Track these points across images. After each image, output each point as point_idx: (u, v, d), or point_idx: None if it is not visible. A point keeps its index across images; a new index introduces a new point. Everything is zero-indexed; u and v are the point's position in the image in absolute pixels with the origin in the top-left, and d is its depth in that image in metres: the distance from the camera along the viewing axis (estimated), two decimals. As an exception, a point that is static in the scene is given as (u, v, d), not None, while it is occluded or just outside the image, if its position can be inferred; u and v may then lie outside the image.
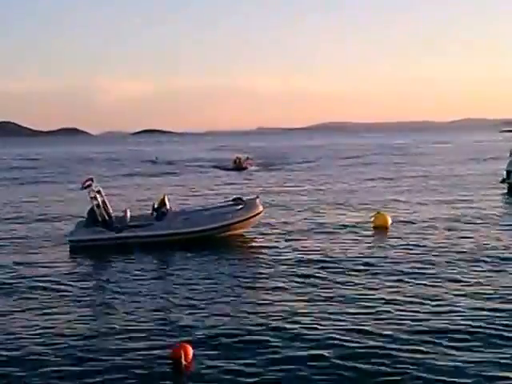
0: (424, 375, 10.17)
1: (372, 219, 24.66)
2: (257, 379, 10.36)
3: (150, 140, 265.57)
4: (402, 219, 25.75)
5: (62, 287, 16.76)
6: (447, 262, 17.83)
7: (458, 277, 16.20)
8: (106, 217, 22.22)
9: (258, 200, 23.50)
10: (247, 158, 65.22)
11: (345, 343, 11.64)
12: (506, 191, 35.46)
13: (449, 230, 23.28)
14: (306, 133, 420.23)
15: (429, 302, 14.02)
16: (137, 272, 18.35)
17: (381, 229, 23.69)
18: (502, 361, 10.65)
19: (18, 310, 14.80)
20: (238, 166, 61.35)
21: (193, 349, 11.10)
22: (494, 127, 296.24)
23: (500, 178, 37.18)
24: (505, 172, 36.66)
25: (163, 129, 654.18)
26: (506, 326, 12.34)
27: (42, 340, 12.52)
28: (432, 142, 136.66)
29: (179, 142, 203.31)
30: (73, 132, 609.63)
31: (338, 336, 12.00)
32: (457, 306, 13.64)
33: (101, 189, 22.80)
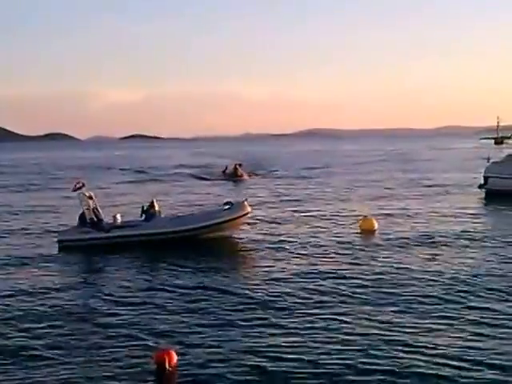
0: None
1: (359, 223, 25.27)
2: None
3: (138, 145, 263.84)
4: (388, 223, 26.42)
5: (47, 287, 17.10)
6: (430, 263, 18.59)
7: (440, 279, 16.76)
8: (95, 219, 22.73)
9: (245, 202, 24.01)
10: (240, 165, 57.55)
11: (326, 345, 11.94)
12: (483, 196, 36.57)
13: (431, 232, 24.00)
14: (295, 139, 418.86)
15: (412, 305, 14.43)
16: (123, 272, 18.70)
17: (367, 233, 24.23)
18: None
19: (2, 307, 15.22)
20: (232, 174, 54.94)
21: (177, 354, 11.12)
22: (475, 135, 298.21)
23: (478, 184, 38.25)
24: (482, 178, 37.86)
25: (151, 134, 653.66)
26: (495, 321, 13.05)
27: (20, 339, 12.83)
28: (417, 148, 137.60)
29: (167, 148, 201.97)
30: (60, 137, 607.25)
31: (320, 339, 12.27)
32: (442, 307, 14.14)
33: (92, 194, 23.33)
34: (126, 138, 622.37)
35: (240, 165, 57.82)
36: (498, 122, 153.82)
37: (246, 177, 55.22)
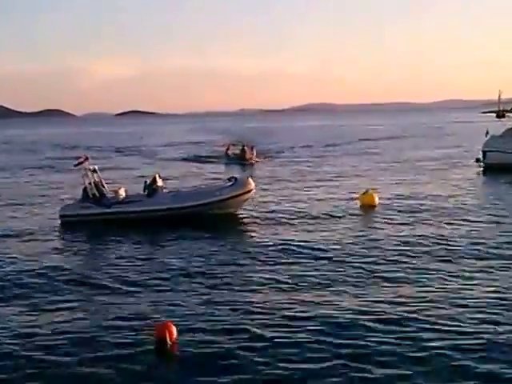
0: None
1: (359, 198, 25.20)
2: (243, 359, 10.36)
3: (134, 121, 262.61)
4: (388, 198, 26.47)
5: (48, 260, 17.34)
6: (430, 237, 18.66)
7: (441, 252, 16.89)
8: (97, 194, 22.75)
9: (249, 179, 23.84)
10: (252, 148, 47.71)
11: (330, 322, 11.81)
12: (481, 170, 36.72)
13: (431, 208, 24.01)
14: (290, 114, 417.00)
15: (412, 280, 14.43)
16: (123, 248, 18.81)
17: (368, 207, 24.22)
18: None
19: (3, 282, 15.30)
20: (241, 157, 45.59)
21: (177, 327, 11.13)
22: (476, 108, 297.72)
23: (474, 158, 38.42)
24: (481, 152, 37.97)
25: (147, 110, 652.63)
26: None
27: (19, 308, 13.11)
28: (415, 123, 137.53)
29: (164, 124, 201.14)
30: (56, 113, 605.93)
31: (325, 318, 12.08)
32: (443, 283, 14.13)
33: (96, 168, 23.35)
34: (122, 113, 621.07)
35: (252, 147, 48.04)
36: (499, 96, 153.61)
37: (255, 159, 46.17)
